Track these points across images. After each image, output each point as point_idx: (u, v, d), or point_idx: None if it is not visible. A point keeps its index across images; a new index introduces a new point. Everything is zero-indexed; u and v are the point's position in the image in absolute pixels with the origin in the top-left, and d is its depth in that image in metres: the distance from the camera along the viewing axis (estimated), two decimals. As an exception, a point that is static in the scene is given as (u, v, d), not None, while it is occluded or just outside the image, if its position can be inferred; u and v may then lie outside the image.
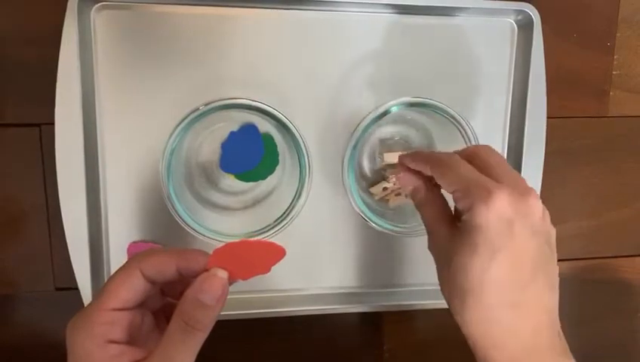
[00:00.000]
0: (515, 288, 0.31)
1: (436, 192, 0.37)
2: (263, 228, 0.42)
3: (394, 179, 0.44)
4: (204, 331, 0.28)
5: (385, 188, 0.45)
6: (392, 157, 0.45)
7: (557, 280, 0.34)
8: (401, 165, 0.37)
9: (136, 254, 0.30)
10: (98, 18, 0.40)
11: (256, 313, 0.45)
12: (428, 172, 0.35)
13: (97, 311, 0.28)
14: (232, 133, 0.43)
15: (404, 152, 0.47)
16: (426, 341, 0.52)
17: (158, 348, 0.28)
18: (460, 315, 0.32)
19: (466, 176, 0.32)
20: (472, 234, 0.31)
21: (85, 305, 0.42)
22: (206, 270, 0.29)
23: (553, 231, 0.34)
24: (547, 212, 0.33)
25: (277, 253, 0.32)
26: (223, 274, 0.29)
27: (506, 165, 0.35)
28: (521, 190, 0.32)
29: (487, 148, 0.35)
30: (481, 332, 0.32)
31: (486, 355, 0.32)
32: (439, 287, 0.34)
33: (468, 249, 0.31)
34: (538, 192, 0.47)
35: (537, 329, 0.32)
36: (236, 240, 0.35)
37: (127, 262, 0.29)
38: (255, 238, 0.41)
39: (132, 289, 0.28)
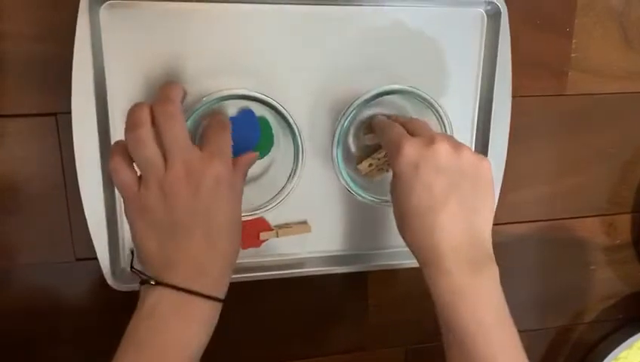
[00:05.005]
0: (428, 214, 0.39)
1: None
2: (263, 204, 0.46)
3: (379, 156, 0.49)
4: None
5: (370, 165, 0.49)
6: (375, 139, 0.49)
7: (483, 205, 0.41)
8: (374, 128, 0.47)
9: None
10: (107, 15, 0.42)
11: (253, 276, 0.49)
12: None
13: None
14: (230, 118, 0.46)
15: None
16: (405, 294, 0.57)
17: None
18: (402, 236, 0.42)
19: (390, 137, 0.42)
20: (395, 179, 0.41)
21: (104, 274, 0.46)
22: None
23: (475, 165, 0.40)
24: (466, 151, 0.40)
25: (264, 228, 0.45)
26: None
27: (427, 127, 0.44)
28: (427, 140, 0.39)
29: (419, 120, 0.46)
30: (415, 249, 0.41)
31: (422, 265, 0.40)
32: None
33: (394, 190, 0.41)
34: (503, 161, 0.51)
35: (456, 248, 0.39)
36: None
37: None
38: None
39: None
